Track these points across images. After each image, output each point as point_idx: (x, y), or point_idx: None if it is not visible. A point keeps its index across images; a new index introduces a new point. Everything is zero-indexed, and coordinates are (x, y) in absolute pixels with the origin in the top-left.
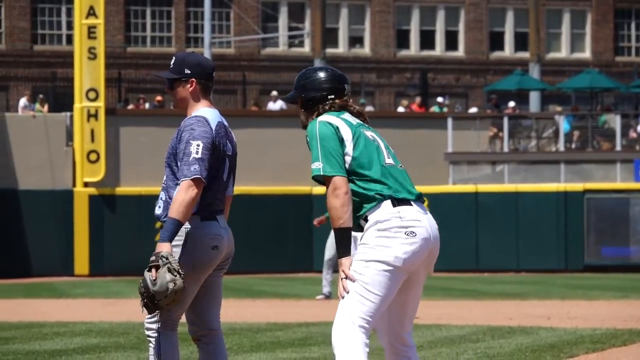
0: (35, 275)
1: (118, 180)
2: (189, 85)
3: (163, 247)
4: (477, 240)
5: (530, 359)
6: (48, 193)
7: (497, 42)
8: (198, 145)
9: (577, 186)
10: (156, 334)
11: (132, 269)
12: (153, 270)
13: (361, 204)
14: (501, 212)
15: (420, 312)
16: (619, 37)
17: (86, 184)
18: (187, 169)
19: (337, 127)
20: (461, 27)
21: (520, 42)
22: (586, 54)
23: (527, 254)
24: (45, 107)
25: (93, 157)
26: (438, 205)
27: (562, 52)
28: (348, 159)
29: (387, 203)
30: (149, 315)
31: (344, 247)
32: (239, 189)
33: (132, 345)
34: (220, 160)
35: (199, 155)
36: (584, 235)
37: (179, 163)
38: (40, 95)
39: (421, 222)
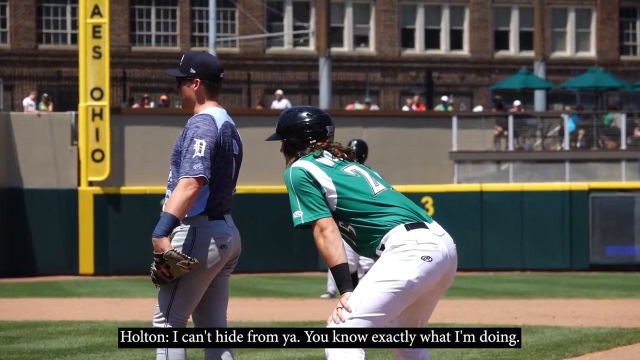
0: (39, 275)
1: (123, 179)
2: (194, 85)
3: (162, 245)
4: (481, 239)
5: (535, 357)
6: (53, 192)
7: (502, 41)
8: (202, 144)
9: (582, 185)
10: None
11: (137, 268)
12: (162, 268)
13: (373, 236)
14: (506, 211)
15: None
16: (624, 36)
17: (91, 183)
18: (188, 167)
19: (309, 172)
20: (466, 26)
21: (525, 41)
22: (591, 53)
23: (532, 252)
24: (50, 106)
25: (98, 156)
26: (443, 204)
27: (567, 51)
28: (334, 197)
29: (401, 228)
30: (157, 315)
31: (345, 283)
32: (244, 187)
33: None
34: (226, 160)
35: (202, 154)
36: (589, 234)
37: (181, 160)
38: (45, 94)
39: (437, 246)
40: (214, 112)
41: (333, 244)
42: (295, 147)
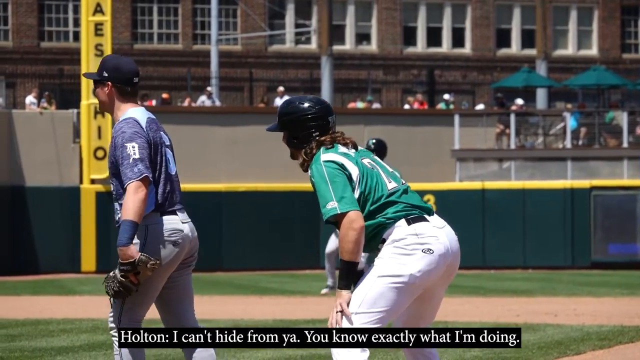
0: (42, 272)
1: None
2: (106, 88)
3: (131, 252)
4: (483, 237)
5: (537, 355)
6: (55, 190)
7: (504, 39)
8: (134, 147)
9: (584, 183)
10: (117, 333)
11: None
12: (131, 276)
13: (377, 232)
14: (508, 208)
15: None
16: (625, 34)
17: (93, 181)
18: (130, 172)
19: (343, 165)
20: (468, 24)
21: (527, 39)
22: (593, 51)
23: (534, 250)
24: (53, 105)
25: (100, 154)
26: (445, 202)
27: (569, 49)
28: (356, 194)
29: (402, 222)
30: (111, 316)
31: (347, 280)
32: (245, 185)
33: None
34: (160, 155)
35: (137, 156)
36: (591, 232)
37: (120, 168)
38: (47, 92)
39: (438, 239)
40: (135, 113)
41: (358, 241)
42: (299, 140)
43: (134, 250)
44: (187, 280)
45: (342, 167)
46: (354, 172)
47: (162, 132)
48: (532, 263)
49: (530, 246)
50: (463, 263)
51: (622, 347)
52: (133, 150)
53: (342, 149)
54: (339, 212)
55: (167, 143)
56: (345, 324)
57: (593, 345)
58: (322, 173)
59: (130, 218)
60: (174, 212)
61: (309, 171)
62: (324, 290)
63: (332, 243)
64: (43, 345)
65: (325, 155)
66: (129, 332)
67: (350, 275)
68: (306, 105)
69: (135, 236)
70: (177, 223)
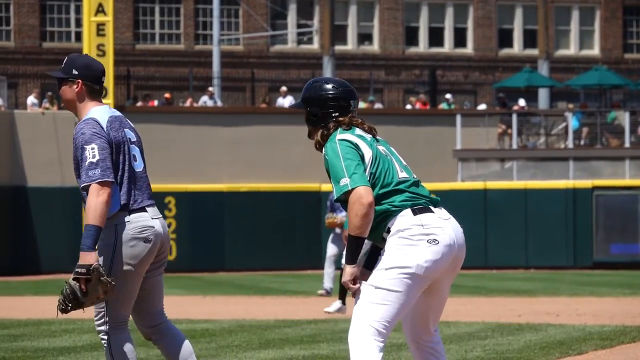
0: (44, 272)
1: None
2: (75, 87)
3: (90, 258)
4: (485, 237)
5: (539, 355)
6: (57, 190)
7: (506, 39)
8: (92, 149)
9: (586, 183)
10: (106, 335)
11: None
12: (82, 282)
13: (383, 219)
14: (510, 208)
15: None
16: (627, 34)
17: None
18: (85, 175)
19: (357, 145)
20: (470, 24)
21: (529, 39)
22: (595, 51)
23: (536, 250)
24: (55, 105)
25: None
26: (447, 202)
27: (571, 49)
28: (368, 173)
29: (408, 212)
30: (97, 317)
31: (352, 255)
32: (248, 186)
33: (141, 342)
34: (124, 153)
35: (96, 158)
36: (593, 232)
37: (80, 170)
38: (49, 93)
39: (444, 230)
40: (96, 113)
41: (366, 215)
42: (318, 119)
43: (93, 256)
44: (159, 279)
45: (356, 147)
46: (367, 153)
47: (127, 129)
48: (534, 263)
49: (532, 246)
50: (465, 263)
51: (624, 347)
52: (92, 152)
53: (358, 131)
54: (350, 188)
55: (134, 139)
56: (358, 319)
57: (595, 345)
58: (336, 150)
59: (92, 223)
60: (143, 209)
61: (323, 150)
62: (321, 292)
63: (332, 247)
64: (45, 346)
65: (340, 135)
66: (119, 333)
67: (355, 251)
68: (330, 85)
69: (106, 238)
70: (147, 220)
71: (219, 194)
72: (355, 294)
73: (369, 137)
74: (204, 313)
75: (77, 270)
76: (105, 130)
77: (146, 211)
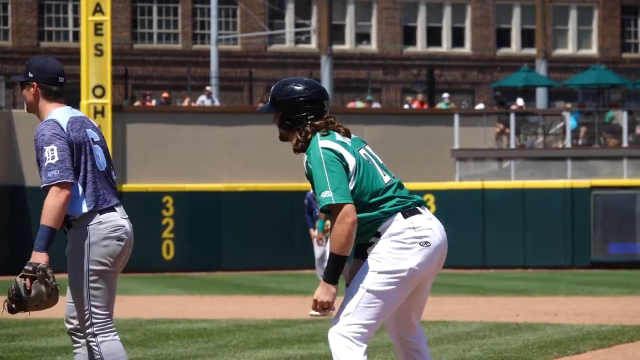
0: None
1: (125, 177)
2: (32, 89)
3: (40, 258)
4: (483, 236)
5: (536, 355)
6: None
7: (503, 38)
8: (52, 150)
9: (584, 182)
10: (94, 338)
11: (138, 265)
12: (28, 279)
13: (373, 226)
14: (508, 208)
15: (427, 308)
16: (625, 34)
17: None
18: (44, 176)
19: (341, 155)
20: (468, 24)
21: (527, 38)
22: (593, 51)
23: (534, 250)
24: None
25: None
26: (445, 201)
27: (569, 49)
28: (351, 186)
29: (399, 216)
30: (85, 322)
31: (333, 274)
32: (245, 185)
33: (139, 342)
34: (86, 153)
35: (55, 160)
36: (591, 231)
37: (40, 172)
38: None
39: (433, 231)
40: (57, 114)
41: (350, 235)
42: (292, 122)
43: (44, 257)
44: (116, 282)
45: (340, 157)
46: (351, 162)
47: (89, 130)
48: (531, 262)
49: (530, 246)
50: (463, 262)
51: (622, 346)
52: (51, 153)
53: (338, 137)
54: (333, 202)
55: (97, 139)
56: (344, 321)
57: (593, 345)
58: (320, 160)
59: (47, 224)
60: (112, 209)
61: (306, 156)
62: None
63: (319, 249)
64: (43, 345)
65: (323, 142)
66: (106, 334)
67: (337, 270)
68: (301, 87)
69: (79, 239)
70: (117, 219)
71: (216, 193)
72: (328, 309)
73: (348, 141)
74: (202, 313)
75: (25, 267)
76: (65, 131)
77: (115, 210)
